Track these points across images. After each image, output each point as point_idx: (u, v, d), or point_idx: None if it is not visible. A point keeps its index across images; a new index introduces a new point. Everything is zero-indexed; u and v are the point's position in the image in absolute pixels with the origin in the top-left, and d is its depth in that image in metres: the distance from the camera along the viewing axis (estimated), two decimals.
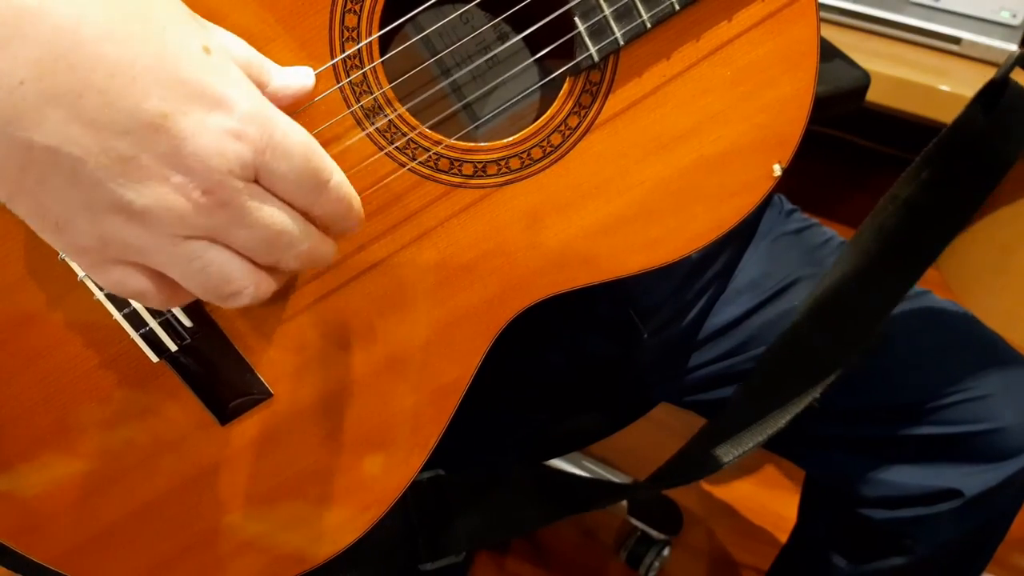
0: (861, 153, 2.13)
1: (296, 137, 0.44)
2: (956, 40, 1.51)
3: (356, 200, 0.48)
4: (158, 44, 0.39)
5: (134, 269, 0.43)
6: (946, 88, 1.45)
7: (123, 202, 0.40)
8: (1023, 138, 0.65)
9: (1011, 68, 0.64)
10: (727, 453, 0.75)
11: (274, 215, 0.44)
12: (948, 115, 1.49)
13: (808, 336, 0.76)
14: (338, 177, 0.46)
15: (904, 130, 1.68)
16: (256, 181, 0.43)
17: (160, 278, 0.44)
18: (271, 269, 0.46)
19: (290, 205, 0.45)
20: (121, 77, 0.38)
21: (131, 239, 0.41)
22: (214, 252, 0.43)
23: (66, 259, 0.53)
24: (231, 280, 0.44)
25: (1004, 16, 1.50)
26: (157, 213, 0.40)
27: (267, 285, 0.46)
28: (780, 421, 0.74)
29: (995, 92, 0.64)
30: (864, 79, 1.16)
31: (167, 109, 0.39)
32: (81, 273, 0.54)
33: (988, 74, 0.61)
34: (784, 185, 0.59)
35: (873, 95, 1.22)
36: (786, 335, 0.77)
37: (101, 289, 0.54)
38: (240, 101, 0.41)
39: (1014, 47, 1.48)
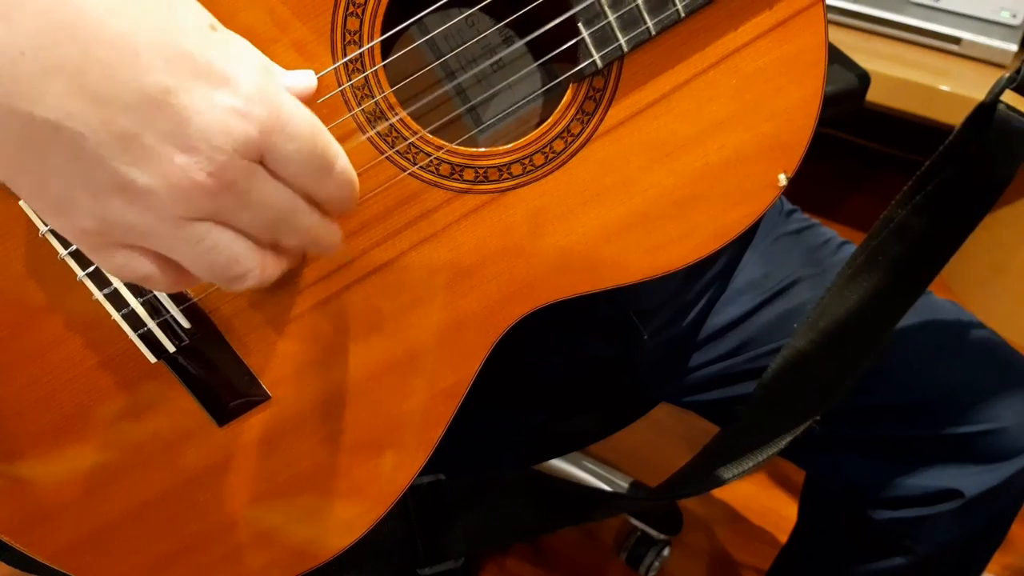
0: (861, 153, 2.13)
1: (303, 118, 0.43)
2: (956, 40, 1.51)
3: (356, 184, 0.47)
4: (162, 18, 0.39)
5: (138, 252, 0.43)
6: (946, 88, 1.45)
7: (125, 181, 0.39)
8: (1013, 161, 0.65)
9: (1001, 90, 0.63)
10: (728, 471, 0.75)
11: (278, 195, 0.43)
12: (948, 115, 1.50)
13: (807, 359, 0.76)
14: (343, 162, 0.46)
15: (904, 130, 1.68)
16: (262, 163, 0.42)
17: (165, 261, 0.43)
18: (275, 248, 0.46)
19: (295, 187, 0.44)
20: (124, 50, 0.37)
21: (133, 221, 0.40)
22: (217, 233, 0.42)
23: (66, 259, 0.53)
24: (237, 262, 0.43)
25: (1004, 16, 1.50)
26: (160, 194, 0.39)
27: (273, 266, 0.46)
28: (780, 443, 0.74)
29: (985, 115, 0.64)
30: (864, 79, 1.16)
31: (170, 84, 0.38)
32: (80, 273, 0.54)
33: (988, 74, 0.61)
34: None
35: (873, 95, 1.22)
36: (785, 358, 0.77)
37: (100, 289, 0.54)
38: (246, 79, 0.40)
39: (1014, 47, 1.48)
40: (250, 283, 0.45)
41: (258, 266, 0.44)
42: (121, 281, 0.54)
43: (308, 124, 0.43)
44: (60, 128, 0.37)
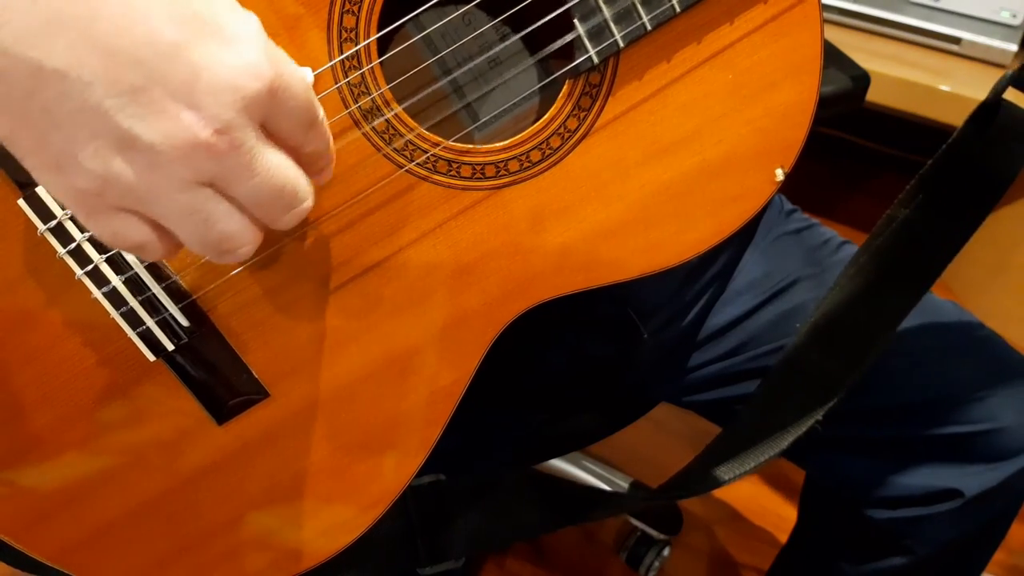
0: (861, 153, 2.13)
1: (299, 75, 0.43)
2: (956, 40, 1.51)
3: (331, 139, 0.48)
4: None
5: (135, 219, 0.42)
6: (946, 88, 1.45)
7: (130, 136, 0.39)
8: (1017, 158, 0.65)
9: (1004, 88, 0.63)
10: (728, 472, 0.75)
11: (283, 165, 0.43)
12: (948, 115, 1.50)
13: (809, 359, 0.75)
14: (323, 113, 0.46)
15: (904, 130, 1.68)
16: (263, 126, 0.42)
17: (161, 229, 0.43)
18: (264, 226, 0.45)
19: (287, 143, 0.44)
20: (136, 4, 0.38)
21: (133, 180, 0.40)
22: (215, 203, 0.42)
23: (64, 257, 0.53)
24: (231, 237, 0.43)
25: (1004, 16, 1.50)
26: (164, 150, 0.39)
27: (257, 243, 0.45)
28: (782, 443, 0.73)
29: (988, 113, 0.64)
30: (864, 79, 1.16)
31: (181, 40, 0.38)
32: (79, 271, 0.54)
33: (988, 74, 0.61)
34: (784, 185, 0.59)
35: (873, 95, 1.22)
36: (788, 357, 0.77)
37: (99, 288, 0.54)
38: (252, 39, 0.41)
39: (1014, 47, 1.48)
40: (237, 259, 0.45)
41: (249, 243, 0.44)
42: (114, 249, 0.53)
43: (303, 80, 0.44)
44: (68, 77, 0.37)
